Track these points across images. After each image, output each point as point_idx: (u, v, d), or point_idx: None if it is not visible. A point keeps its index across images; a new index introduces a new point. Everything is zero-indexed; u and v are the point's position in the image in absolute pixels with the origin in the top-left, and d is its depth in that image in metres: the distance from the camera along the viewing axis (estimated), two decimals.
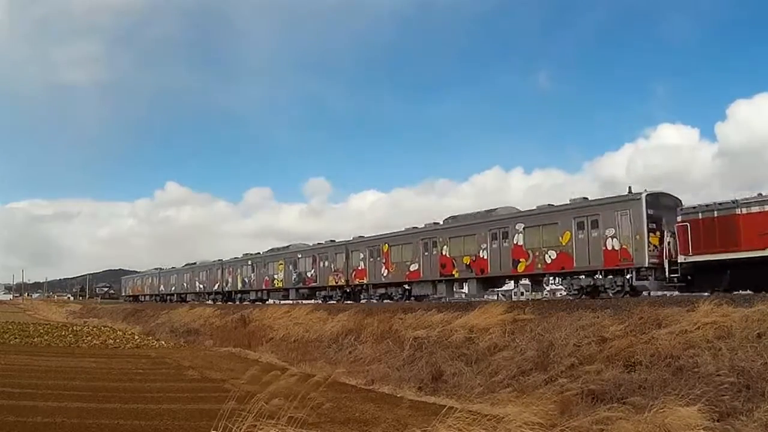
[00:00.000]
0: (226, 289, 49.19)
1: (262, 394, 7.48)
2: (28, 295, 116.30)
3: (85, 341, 33.14)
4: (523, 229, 24.28)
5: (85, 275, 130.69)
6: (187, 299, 56.13)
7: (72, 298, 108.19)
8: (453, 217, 28.40)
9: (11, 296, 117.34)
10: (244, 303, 44.38)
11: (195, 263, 57.57)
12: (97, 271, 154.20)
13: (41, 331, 38.31)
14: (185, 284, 57.75)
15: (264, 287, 43.36)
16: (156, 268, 69.17)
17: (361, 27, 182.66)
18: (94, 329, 41.96)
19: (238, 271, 47.38)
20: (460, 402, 12.81)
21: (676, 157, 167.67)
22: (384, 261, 31.16)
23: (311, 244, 39.83)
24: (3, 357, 22.82)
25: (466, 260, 26.52)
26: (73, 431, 10.99)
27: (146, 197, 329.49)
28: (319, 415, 8.15)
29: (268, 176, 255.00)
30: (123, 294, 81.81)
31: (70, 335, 36.13)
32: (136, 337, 36.71)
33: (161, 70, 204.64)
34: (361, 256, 33.04)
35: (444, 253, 27.65)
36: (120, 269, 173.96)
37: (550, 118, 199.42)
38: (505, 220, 25.21)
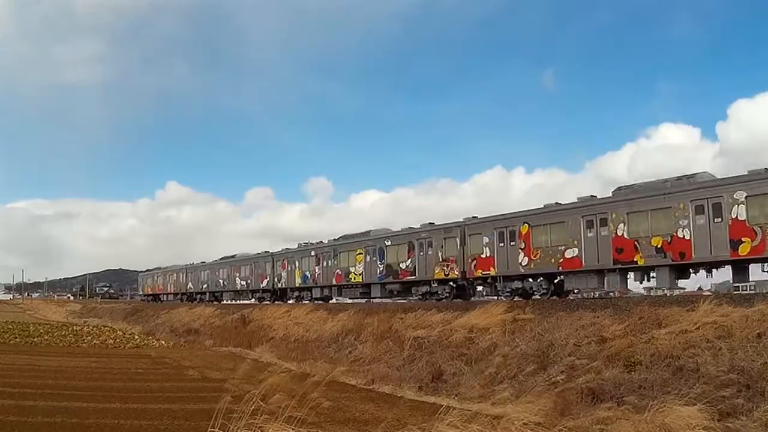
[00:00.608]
0: (279, 285, 41.64)
1: (261, 393, 7.46)
2: (28, 294, 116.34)
3: (85, 341, 33.18)
4: (746, 198, 18.12)
5: (85, 275, 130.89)
6: (223, 298, 51.11)
7: (72, 298, 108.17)
8: (628, 187, 22.30)
9: (11, 296, 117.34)
10: (304, 302, 37.88)
11: (233, 256, 50.35)
12: (98, 271, 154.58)
13: (41, 331, 38.34)
14: (221, 281, 50.39)
15: (334, 283, 35.52)
16: (188, 264, 60.67)
17: (365, 27, 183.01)
18: (94, 329, 42.01)
19: (296, 264, 39.55)
20: (460, 402, 12.84)
21: (677, 156, 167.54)
22: (523, 246, 24.06)
23: (399, 229, 32.56)
24: (3, 357, 22.83)
25: (656, 242, 20.21)
26: (73, 431, 10.99)
27: (147, 197, 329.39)
28: (319, 414, 8.14)
29: (269, 176, 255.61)
30: (140, 293, 76.28)
31: (70, 335, 36.16)
32: (136, 337, 36.76)
33: (163, 69, 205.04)
34: (485, 240, 25.64)
35: (620, 234, 20.97)
36: (120, 269, 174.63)
37: (552, 117, 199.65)
38: (716, 188, 19.12)
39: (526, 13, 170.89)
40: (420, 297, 28.91)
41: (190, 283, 56.94)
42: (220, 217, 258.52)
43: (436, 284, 28.29)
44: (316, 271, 37.39)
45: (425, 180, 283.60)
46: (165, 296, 64.30)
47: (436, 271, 28.00)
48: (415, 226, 30.82)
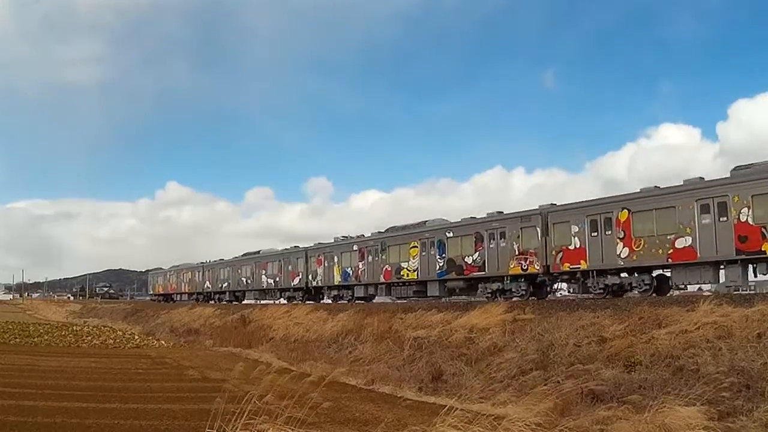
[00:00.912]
0: (314, 284, 38.02)
1: (260, 393, 7.46)
2: (28, 295, 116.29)
3: (85, 341, 33.18)
4: None
5: (85, 275, 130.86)
6: (245, 297, 47.79)
7: (72, 298, 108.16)
8: (748, 166, 19.14)
9: (11, 296, 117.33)
10: (341, 302, 34.79)
11: (258, 252, 46.44)
12: (97, 271, 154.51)
13: (41, 331, 38.34)
14: (245, 279, 46.55)
15: (382, 280, 32.00)
16: (204, 261, 56.62)
17: (365, 27, 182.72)
18: (94, 329, 42.01)
19: (335, 259, 35.96)
20: (460, 402, 12.79)
21: (677, 156, 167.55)
22: (621, 235, 21.17)
23: (459, 220, 29.40)
24: (3, 357, 22.82)
25: None
26: (73, 431, 10.99)
27: (147, 197, 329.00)
28: (319, 414, 8.14)
29: (270, 176, 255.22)
30: (150, 292, 71.99)
31: (70, 335, 36.16)
32: (136, 337, 36.77)
33: (163, 69, 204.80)
34: (575, 229, 22.84)
35: (743, 219, 18.05)
36: (120, 269, 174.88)
37: (552, 117, 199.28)
38: None
39: (527, 12, 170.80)
40: (489, 295, 25.91)
41: (207, 282, 52.87)
42: (220, 217, 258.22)
43: (509, 280, 25.31)
44: (360, 267, 33.66)
45: (425, 180, 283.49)
46: (178, 296, 60.45)
47: (512, 266, 24.92)
48: (479, 216, 28.16)
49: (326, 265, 36.92)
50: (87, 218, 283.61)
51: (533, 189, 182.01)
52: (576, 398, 12.98)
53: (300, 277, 39.33)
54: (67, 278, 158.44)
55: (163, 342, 34.69)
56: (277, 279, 41.94)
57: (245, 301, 47.12)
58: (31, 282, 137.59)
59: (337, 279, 35.93)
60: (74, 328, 42.65)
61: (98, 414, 12.31)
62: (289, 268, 40.58)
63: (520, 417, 8.15)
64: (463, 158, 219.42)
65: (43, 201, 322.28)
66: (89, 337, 35.09)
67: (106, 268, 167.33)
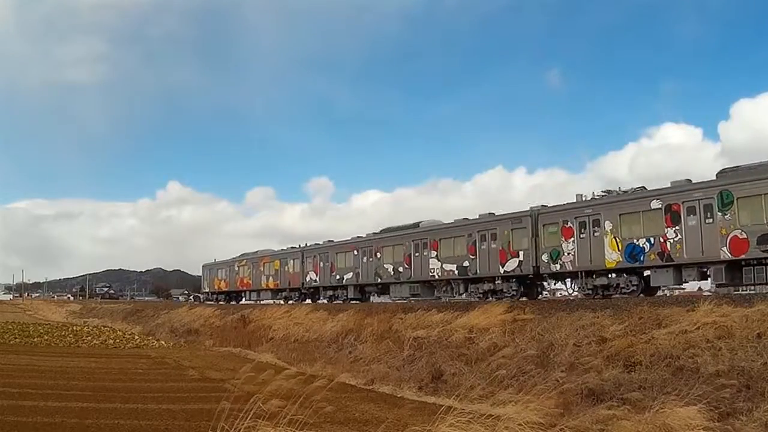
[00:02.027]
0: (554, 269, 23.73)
1: (261, 394, 7.46)
2: (28, 295, 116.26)
3: (85, 341, 33.18)
4: None
5: (85, 275, 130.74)
6: (392, 293, 31.53)
7: (72, 298, 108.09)
8: None
9: (11, 296, 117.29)
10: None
11: (417, 224, 30.78)
12: (97, 271, 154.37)
13: (41, 331, 38.32)
14: (390, 267, 30.91)
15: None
16: (305, 245, 40.29)
17: (367, 26, 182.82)
18: (94, 329, 42.00)
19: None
20: (460, 402, 12.80)
21: (679, 156, 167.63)
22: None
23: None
24: (3, 357, 22.82)
25: None
26: (73, 431, 10.99)
27: (148, 197, 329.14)
28: (319, 414, 8.14)
29: (271, 176, 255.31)
30: (205, 289, 55.08)
31: (70, 335, 36.15)
32: (136, 337, 36.78)
33: (164, 68, 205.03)
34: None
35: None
36: (120, 269, 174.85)
37: (554, 117, 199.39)
38: None
39: (529, 12, 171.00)
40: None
41: (312, 274, 37.84)
42: (221, 217, 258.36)
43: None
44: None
45: (426, 180, 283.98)
46: (253, 294, 45.53)
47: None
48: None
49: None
50: (87, 218, 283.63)
51: (534, 189, 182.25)
52: (576, 398, 12.99)
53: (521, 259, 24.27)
54: (67, 278, 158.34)
55: (163, 342, 34.70)
56: (465, 264, 26.48)
57: (385, 299, 32.56)
58: (31, 282, 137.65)
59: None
60: (74, 328, 42.61)
61: (98, 414, 12.30)
62: (499, 245, 25.05)
63: (520, 417, 8.14)
64: (465, 158, 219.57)
65: (43, 201, 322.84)
66: (89, 337, 35.08)
67: (106, 269, 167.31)
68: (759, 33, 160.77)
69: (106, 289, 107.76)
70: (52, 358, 24.17)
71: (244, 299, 47.61)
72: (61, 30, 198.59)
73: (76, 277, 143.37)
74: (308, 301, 38.89)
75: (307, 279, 38.52)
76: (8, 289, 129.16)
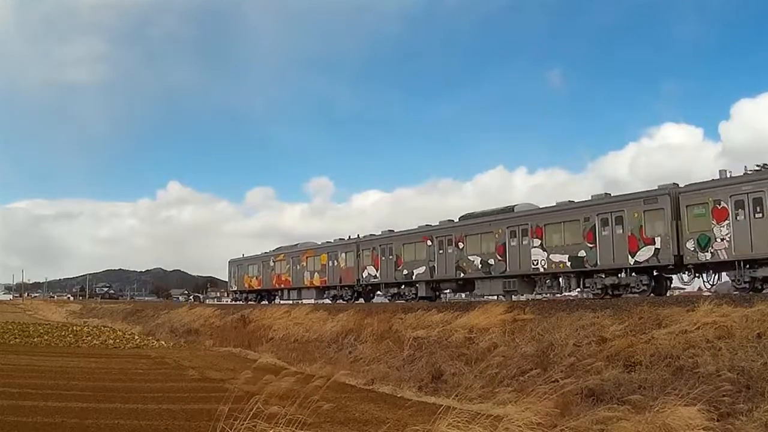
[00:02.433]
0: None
1: (261, 394, 7.46)
2: (28, 295, 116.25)
3: (85, 341, 33.18)
4: None
5: (85, 275, 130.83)
6: (481, 290, 26.87)
7: (72, 298, 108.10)
8: None
9: (11, 296, 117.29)
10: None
11: (512, 208, 26.54)
12: (97, 271, 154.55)
13: (41, 331, 38.32)
14: (478, 259, 26.44)
15: None
16: (357, 236, 35.42)
17: (367, 26, 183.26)
18: (94, 329, 42.01)
19: None
20: (460, 402, 12.80)
21: (679, 156, 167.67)
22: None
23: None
24: (3, 357, 22.81)
25: None
26: (73, 431, 10.98)
27: (148, 197, 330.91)
28: (319, 415, 8.14)
29: (271, 176, 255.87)
30: (231, 288, 49.88)
31: (70, 335, 36.15)
32: (136, 337, 36.78)
33: (164, 68, 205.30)
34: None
35: None
36: (120, 269, 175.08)
37: (554, 117, 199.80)
38: None
39: (529, 12, 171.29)
40: None
41: (371, 268, 32.66)
42: (221, 217, 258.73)
43: None
44: None
45: (426, 180, 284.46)
46: (292, 292, 40.31)
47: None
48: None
49: None
50: (87, 218, 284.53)
51: (535, 189, 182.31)
52: (576, 398, 12.98)
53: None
54: (67, 278, 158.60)
55: (163, 342, 34.69)
56: (581, 253, 22.49)
57: (474, 296, 28.42)
58: (31, 282, 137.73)
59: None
60: (74, 328, 42.61)
61: (98, 414, 12.29)
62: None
63: (520, 417, 8.15)
64: (465, 158, 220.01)
65: (43, 201, 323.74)
66: (89, 338, 35.08)
67: (106, 269, 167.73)
68: (759, 33, 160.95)
69: (106, 289, 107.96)
70: (52, 358, 24.17)
71: (278, 299, 43.16)
72: (61, 30, 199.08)
73: (76, 277, 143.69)
74: (361, 300, 34.24)
75: (364, 275, 33.23)
76: (8, 289, 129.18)
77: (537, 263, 23.95)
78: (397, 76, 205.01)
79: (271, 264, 42.81)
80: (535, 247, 24.05)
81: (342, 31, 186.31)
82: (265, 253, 44.64)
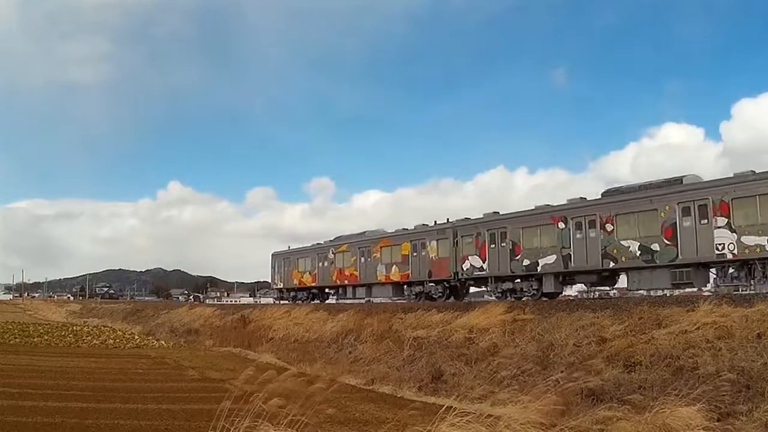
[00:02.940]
0: None
1: (261, 394, 7.46)
2: (28, 295, 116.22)
3: (85, 341, 33.17)
4: None
5: (85, 275, 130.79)
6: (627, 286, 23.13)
7: (72, 298, 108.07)
8: None
9: (11, 296, 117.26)
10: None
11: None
12: (97, 271, 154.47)
13: (41, 331, 38.29)
14: (630, 243, 20.94)
15: None
16: (447, 221, 29.55)
17: (370, 26, 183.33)
18: (94, 329, 41.98)
19: None
20: (460, 402, 12.81)
21: (680, 156, 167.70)
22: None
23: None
24: (3, 357, 22.81)
25: None
26: (73, 431, 10.98)
27: (149, 197, 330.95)
28: (319, 415, 8.14)
29: (271, 176, 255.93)
30: (276, 285, 42.38)
31: (70, 335, 36.13)
32: (136, 337, 36.76)
33: (167, 68, 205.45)
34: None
35: None
36: (120, 269, 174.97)
37: (556, 117, 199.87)
38: None
39: (533, 13, 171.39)
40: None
41: (474, 259, 26.80)
42: (221, 217, 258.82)
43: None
44: None
45: (427, 180, 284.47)
46: (360, 289, 34.16)
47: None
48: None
49: None
50: (87, 218, 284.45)
51: (535, 189, 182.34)
52: (576, 398, 12.97)
53: None
54: (67, 278, 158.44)
55: (163, 342, 34.68)
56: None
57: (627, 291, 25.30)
58: (31, 282, 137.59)
59: None
60: (74, 328, 42.59)
61: (98, 414, 12.30)
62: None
63: (520, 417, 8.15)
64: (466, 158, 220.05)
65: (43, 201, 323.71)
66: (89, 337, 35.07)
67: (106, 269, 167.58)
68: (760, 33, 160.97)
69: (106, 289, 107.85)
70: (52, 358, 24.16)
71: (335, 298, 36.94)
72: (64, 29, 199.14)
73: (76, 277, 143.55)
74: (452, 298, 28.32)
75: (465, 267, 27.08)
76: (8, 289, 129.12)
77: (722, 248, 18.78)
78: (397, 76, 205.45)
79: (330, 256, 36.36)
80: (719, 227, 18.86)
81: (343, 31, 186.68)
82: (319, 244, 38.85)
